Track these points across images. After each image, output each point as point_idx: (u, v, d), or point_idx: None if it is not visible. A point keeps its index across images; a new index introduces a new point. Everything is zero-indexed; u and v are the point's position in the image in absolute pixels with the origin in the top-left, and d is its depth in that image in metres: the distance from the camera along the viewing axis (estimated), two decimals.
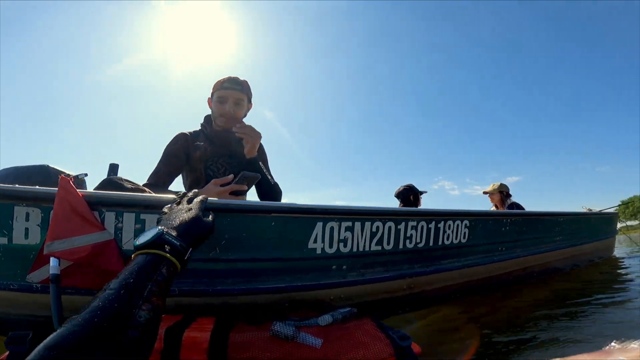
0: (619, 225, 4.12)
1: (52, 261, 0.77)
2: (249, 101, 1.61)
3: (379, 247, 1.18)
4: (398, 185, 2.96)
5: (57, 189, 0.80)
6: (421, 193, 2.91)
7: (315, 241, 1.04)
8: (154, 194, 0.93)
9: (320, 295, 1.07)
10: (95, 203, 0.82)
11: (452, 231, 1.44)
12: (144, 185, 1.27)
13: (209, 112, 1.61)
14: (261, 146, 1.67)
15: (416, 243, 1.30)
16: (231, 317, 1.01)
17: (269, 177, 1.52)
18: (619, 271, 2.58)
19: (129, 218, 0.84)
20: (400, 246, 1.24)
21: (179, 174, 1.54)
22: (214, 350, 0.71)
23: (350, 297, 1.13)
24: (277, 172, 1.46)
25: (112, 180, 1.03)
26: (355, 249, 1.12)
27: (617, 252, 3.97)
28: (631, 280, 2.09)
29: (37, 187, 0.84)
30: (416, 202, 2.85)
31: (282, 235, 1.00)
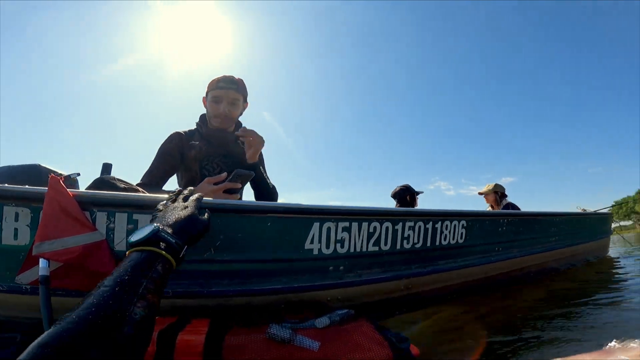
0: (612, 225, 4.15)
1: (42, 262, 0.75)
2: (245, 100, 1.58)
3: (377, 248, 1.17)
4: (394, 186, 2.95)
5: (46, 188, 0.78)
6: (417, 193, 2.90)
7: (312, 242, 1.03)
8: (147, 194, 0.91)
9: (317, 296, 1.06)
10: (86, 203, 0.80)
11: (449, 231, 1.43)
12: (137, 184, 1.25)
13: (205, 111, 1.59)
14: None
15: (413, 243, 1.29)
16: (226, 319, 1.00)
17: (268, 181, 1.51)
18: (614, 271, 2.59)
19: (121, 218, 0.82)
20: (398, 247, 1.23)
21: (174, 174, 1.52)
22: (209, 354, 0.70)
23: (347, 299, 1.12)
24: (274, 172, 1.45)
25: (105, 180, 1.01)
26: (352, 250, 1.10)
27: (612, 252, 4.00)
28: (627, 279, 2.10)
29: (27, 186, 0.82)
30: (412, 202, 2.84)
31: (279, 236, 0.99)
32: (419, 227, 1.30)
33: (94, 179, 1.04)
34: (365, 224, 1.13)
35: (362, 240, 1.13)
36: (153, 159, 1.48)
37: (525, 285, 2.03)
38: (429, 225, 1.34)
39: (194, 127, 1.59)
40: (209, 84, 1.53)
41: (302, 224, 1.02)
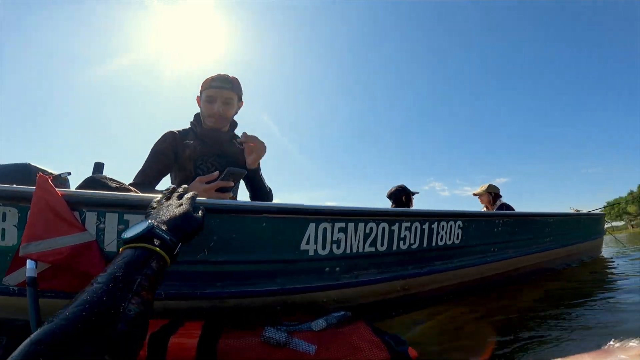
0: (605, 225, 4.19)
1: (29, 263, 0.72)
2: (240, 99, 1.56)
3: (373, 249, 1.16)
4: (389, 185, 2.95)
5: (34, 187, 0.75)
6: (413, 194, 2.90)
7: (307, 242, 1.01)
8: (139, 194, 0.89)
9: (313, 298, 1.04)
10: (75, 203, 0.78)
11: (446, 232, 1.43)
12: (130, 184, 1.23)
13: (199, 110, 1.57)
14: None
15: (410, 244, 1.28)
16: (220, 321, 0.98)
17: (265, 184, 1.49)
18: (608, 271, 2.61)
19: (111, 218, 0.80)
20: (394, 247, 1.22)
21: (167, 173, 1.49)
22: (202, 358, 0.68)
23: (343, 300, 1.10)
24: (270, 171, 1.44)
25: (96, 179, 0.99)
26: (348, 251, 1.09)
27: (604, 252, 4.03)
28: (621, 279, 2.11)
29: (14, 185, 0.79)
30: (408, 202, 2.84)
31: (274, 237, 0.97)
32: (416, 227, 1.29)
33: (85, 178, 1.02)
34: (361, 225, 1.12)
35: (359, 241, 1.11)
36: (146, 158, 1.45)
37: (522, 285, 2.04)
38: (425, 226, 1.33)
39: (188, 126, 1.56)
40: (203, 83, 1.50)
41: (298, 224, 1.01)
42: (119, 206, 0.80)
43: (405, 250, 1.26)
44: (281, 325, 0.75)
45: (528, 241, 2.10)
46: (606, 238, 4.09)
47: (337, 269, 1.08)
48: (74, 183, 1.34)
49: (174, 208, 0.67)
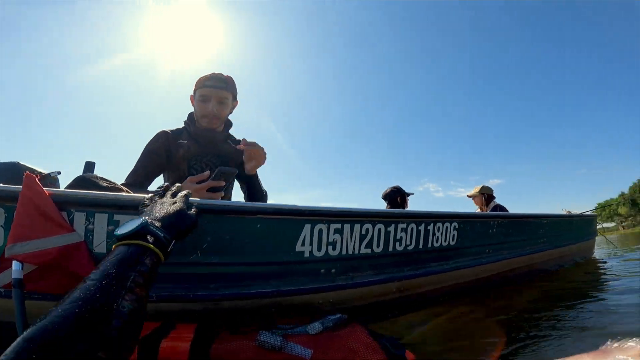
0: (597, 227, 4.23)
1: (15, 265, 0.70)
2: (234, 99, 1.54)
3: (369, 250, 1.14)
4: (383, 186, 2.95)
5: (21, 187, 0.73)
6: (408, 195, 2.90)
7: (302, 244, 1.00)
8: (130, 194, 0.86)
9: (309, 300, 1.02)
10: (63, 202, 0.75)
11: (442, 233, 1.42)
12: (121, 184, 1.21)
13: (193, 109, 1.54)
14: None
15: (406, 245, 1.27)
16: (213, 324, 0.96)
17: (262, 187, 1.47)
18: (602, 272, 2.64)
19: (100, 219, 0.77)
20: (390, 249, 1.21)
21: (160, 174, 1.47)
22: None
23: (339, 302, 1.09)
24: (262, 171, 1.42)
25: (86, 178, 0.96)
26: (344, 252, 1.08)
27: (596, 253, 4.07)
28: (615, 280, 2.14)
29: (0, 184, 0.77)
30: (403, 203, 2.84)
31: (269, 238, 0.95)
32: (412, 229, 1.28)
33: (75, 177, 0.99)
34: (357, 226, 1.10)
35: (355, 243, 1.10)
36: (138, 158, 1.43)
37: (517, 286, 2.05)
38: (422, 227, 1.32)
39: (181, 125, 1.54)
40: (197, 82, 1.48)
41: (293, 225, 0.99)
42: (109, 206, 0.78)
43: (401, 251, 1.25)
44: (276, 329, 0.73)
45: (522, 242, 2.11)
46: (598, 239, 4.14)
47: (333, 270, 1.06)
48: (65, 183, 1.31)
49: (168, 206, 0.66)
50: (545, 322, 1.23)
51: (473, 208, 3.79)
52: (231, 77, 1.50)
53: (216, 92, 1.44)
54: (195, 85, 1.48)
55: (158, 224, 0.59)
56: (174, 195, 0.72)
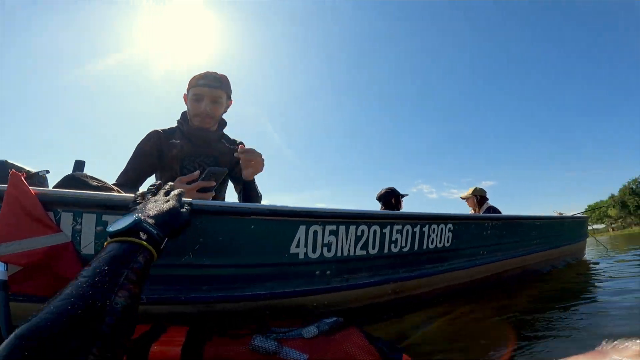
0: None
1: None
2: (229, 98, 1.51)
3: (364, 252, 1.13)
4: (377, 187, 2.95)
5: (6, 185, 0.70)
6: (402, 196, 2.90)
7: (297, 246, 0.98)
8: (119, 194, 0.84)
9: (303, 302, 1.01)
10: (49, 202, 0.73)
11: (437, 235, 1.42)
12: (113, 184, 1.18)
13: (186, 108, 1.51)
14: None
15: (401, 247, 1.26)
16: (206, 327, 0.94)
17: (258, 190, 1.44)
18: (594, 273, 2.67)
19: (88, 219, 0.75)
20: (386, 250, 1.20)
21: (152, 174, 1.44)
22: None
23: (334, 304, 1.08)
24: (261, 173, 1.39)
25: (75, 177, 0.93)
26: (339, 254, 1.06)
27: (587, 254, 4.12)
28: (608, 280, 2.16)
29: None
30: (397, 205, 2.84)
31: (262, 239, 0.94)
32: (407, 230, 1.27)
33: (64, 176, 0.96)
34: (352, 227, 1.09)
35: (350, 244, 1.09)
36: (129, 158, 1.40)
37: (511, 287, 2.05)
38: (417, 229, 1.32)
39: (174, 125, 1.51)
40: (190, 81, 1.45)
41: (288, 227, 0.97)
42: (97, 206, 0.75)
43: (396, 253, 1.24)
44: (270, 332, 0.71)
45: (515, 244, 2.12)
46: (588, 240, 4.19)
47: (328, 272, 1.05)
48: (55, 182, 1.28)
49: (161, 204, 0.66)
50: (540, 323, 1.23)
51: (466, 209, 3.80)
52: (225, 76, 1.47)
53: (210, 91, 1.41)
54: (189, 84, 1.45)
55: (151, 221, 0.59)
56: (167, 193, 0.72)
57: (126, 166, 1.38)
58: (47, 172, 1.55)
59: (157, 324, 0.90)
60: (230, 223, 0.89)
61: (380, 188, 2.92)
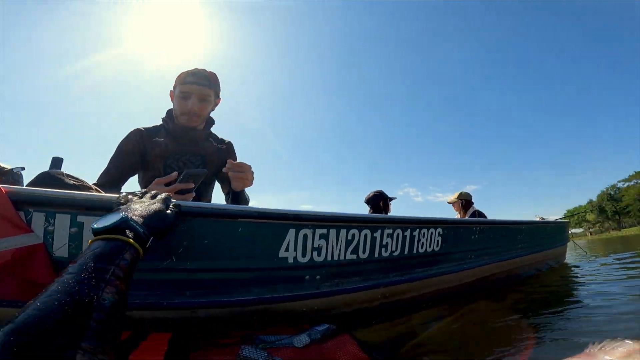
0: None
1: None
2: (217, 96, 1.47)
3: (355, 256, 1.11)
4: (366, 190, 2.94)
5: None
6: (391, 199, 2.89)
7: (286, 250, 0.95)
8: (95, 193, 0.79)
9: (292, 307, 0.97)
10: (20, 201, 0.68)
11: (427, 239, 1.41)
12: (93, 184, 1.12)
13: (172, 105, 1.46)
14: (233, 151, 1.55)
15: (392, 251, 1.24)
16: (190, 334, 0.89)
17: (246, 193, 1.40)
18: (576, 275, 2.73)
19: (62, 220, 0.69)
20: (376, 255, 1.18)
21: (134, 173, 1.38)
22: None
23: (324, 309, 1.04)
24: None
25: (50, 175, 0.88)
26: (329, 258, 1.03)
27: (568, 258, 4.22)
28: (590, 283, 2.20)
29: None
30: (386, 208, 2.83)
31: (250, 243, 0.90)
32: (398, 234, 1.26)
33: (38, 173, 0.90)
34: (343, 231, 1.06)
35: (340, 248, 1.06)
36: (110, 157, 1.34)
37: (498, 291, 2.07)
38: (407, 233, 1.30)
39: (159, 123, 1.45)
40: (177, 78, 1.39)
41: (277, 230, 0.94)
42: (72, 206, 0.70)
43: (387, 257, 1.22)
44: (259, 340, 0.67)
45: (502, 248, 2.14)
46: (568, 244, 4.29)
47: (318, 277, 1.02)
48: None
49: (147, 205, 0.66)
50: (529, 326, 1.24)
51: (452, 213, 3.84)
52: (214, 74, 1.43)
53: (198, 89, 1.36)
54: (176, 81, 1.40)
55: (138, 220, 0.59)
56: (153, 197, 0.72)
57: (107, 165, 1.32)
58: (23, 169, 1.47)
59: (136, 331, 0.85)
60: (216, 226, 0.85)
61: (368, 190, 2.92)
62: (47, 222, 0.69)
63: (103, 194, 0.78)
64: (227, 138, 1.57)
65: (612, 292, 1.75)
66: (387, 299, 1.26)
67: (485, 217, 3.55)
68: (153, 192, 0.74)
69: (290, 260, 0.96)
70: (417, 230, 1.35)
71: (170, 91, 1.44)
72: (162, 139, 1.36)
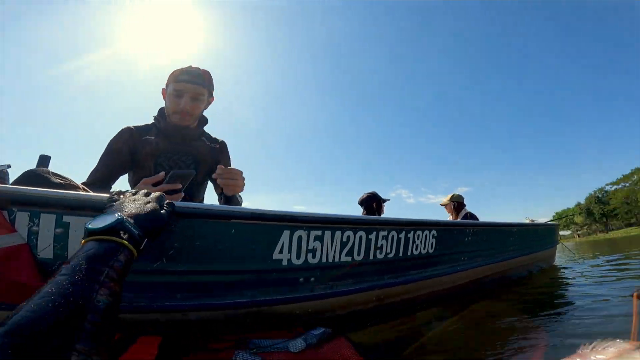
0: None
1: None
2: (210, 95, 1.44)
3: (349, 258, 1.09)
4: (359, 191, 2.94)
5: None
6: (384, 201, 2.89)
7: (281, 251, 0.93)
8: (84, 193, 0.76)
9: (286, 310, 0.95)
10: (4, 200, 0.65)
11: (421, 241, 1.40)
12: (82, 184, 1.09)
13: (164, 104, 1.43)
14: (226, 151, 1.52)
15: (386, 253, 1.23)
16: (180, 337, 0.87)
17: (239, 198, 1.37)
18: (566, 277, 2.76)
19: (47, 220, 0.67)
20: (371, 257, 1.17)
21: (124, 172, 1.35)
22: None
23: (318, 312, 1.03)
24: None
25: (36, 173, 0.84)
26: (324, 260, 1.02)
27: (557, 260, 4.28)
28: (581, 284, 2.24)
29: None
30: (379, 209, 2.83)
31: (243, 245, 0.88)
32: (392, 236, 1.25)
33: (24, 171, 0.87)
34: (338, 233, 1.05)
35: (335, 250, 1.05)
36: (100, 156, 1.31)
37: (490, 293, 2.08)
38: (402, 235, 1.29)
39: (151, 121, 1.43)
40: (170, 75, 1.37)
41: (271, 231, 0.92)
42: (57, 206, 0.67)
43: (381, 259, 1.21)
44: (252, 344, 0.66)
45: (495, 250, 2.15)
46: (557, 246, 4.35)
47: (312, 279, 1.00)
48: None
49: (142, 204, 0.65)
50: (520, 327, 1.24)
51: (443, 215, 3.86)
52: (208, 72, 1.40)
53: (191, 87, 1.34)
54: (169, 79, 1.37)
55: (132, 221, 0.58)
56: (146, 195, 0.70)
57: (97, 165, 1.29)
58: (8, 166, 1.43)
59: (126, 335, 0.82)
60: (209, 227, 0.83)
61: (361, 191, 2.91)
62: (32, 222, 0.66)
63: (90, 193, 0.76)
64: (220, 137, 1.54)
65: (603, 294, 1.77)
66: (382, 302, 1.25)
67: (477, 219, 3.57)
68: (146, 190, 0.72)
69: (285, 262, 0.94)
70: (412, 232, 1.34)
71: (163, 89, 1.41)
72: (153, 137, 1.33)
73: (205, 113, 1.48)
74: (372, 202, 2.81)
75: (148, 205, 0.65)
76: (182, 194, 1.08)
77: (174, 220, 0.77)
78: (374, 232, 1.17)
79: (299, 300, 0.97)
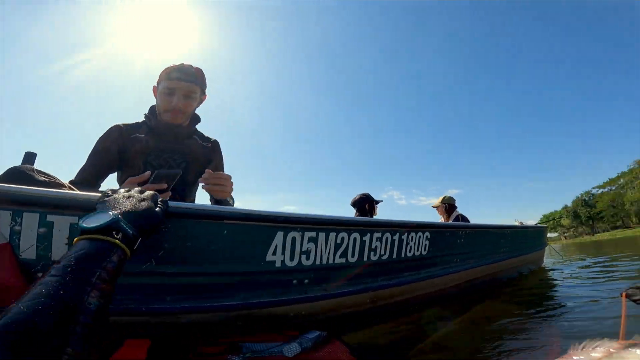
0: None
1: None
2: (203, 93, 1.42)
3: (343, 260, 1.08)
4: (352, 192, 2.94)
5: None
6: (377, 202, 2.89)
7: (274, 253, 0.91)
8: (70, 191, 0.73)
9: (280, 312, 0.94)
10: None
11: (415, 243, 1.40)
12: (69, 182, 1.06)
13: (155, 102, 1.40)
14: (219, 150, 1.50)
15: (380, 255, 1.22)
16: (170, 341, 0.85)
17: (231, 200, 1.34)
18: (555, 278, 2.80)
19: (30, 219, 0.64)
20: (365, 258, 1.16)
21: (112, 171, 1.31)
22: None
23: (312, 314, 1.01)
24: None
25: (20, 170, 0.81)
26: (318, 262, 1.00)
27: (545, 261, 4.34)
28: (570, 285, 2.27)
29: None
30: (372, 211, 2.83)
31: (236, 246, 0.85)
32: (387, 238, 1.24)
33: (7, 168, 0.84)
34: (332, 235, 1.04)
35: (329, 252, 1.03)
36: (88, 155, 1.27)
37: (481, 294, 2.09)
38: (396, 237, 1.29)
39: (141, 119, 1.39)
40: (162, 73, 1.34)
41: (264, 233, 0.90)
42: (41, 205, 0.64)
43: (375, 261, 1.20)
44: (246, 348, 0.64)
45: (486, 252, 2.17)
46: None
47: (306, 281, 0.98)
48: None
49: (137, 202, 0.64)
50: (512, 328, 1.25)
51: (434, 216, 3.88)
52: (200, 70, 1.38)
53: (183, 85, 1.31)
54: (161, 76, 1.34)
55: (127, 219, 0.57)
56: (141, 192, 0.69)
57: (85, 164, 1.26)
58: None
59: (113, 338, 0.79)
60: (201, 227, 0.80)
61: (354, 192, 2.91)
62: (14, 221, 0.63)
63: (76, 191, 0.73)
64: (213, 136, 1.52)
65: (592, 295, 1.80)
66: (375, 303, 1.24)
67: (468, 220, 3.60)
68: (139, 189, 0.70)
69: (278, 264, 0.92)
70: (406, 234, 1.34)
71: (154, 86, 1.38)
72: (142, 135, 1.30)
73: (197, 111, 1.46)
74: (365, 204, 2.81)
75: (143, 202, 0.64)
76: (170, 194, 1.05)
77: (165, 220, 0.75)
78: (368, 234, 1.16)
79: (293, 302, 0.95)
